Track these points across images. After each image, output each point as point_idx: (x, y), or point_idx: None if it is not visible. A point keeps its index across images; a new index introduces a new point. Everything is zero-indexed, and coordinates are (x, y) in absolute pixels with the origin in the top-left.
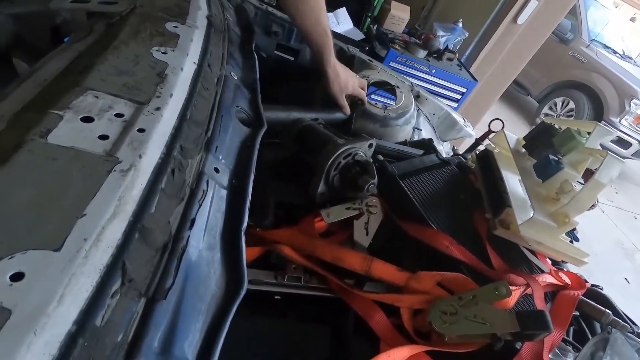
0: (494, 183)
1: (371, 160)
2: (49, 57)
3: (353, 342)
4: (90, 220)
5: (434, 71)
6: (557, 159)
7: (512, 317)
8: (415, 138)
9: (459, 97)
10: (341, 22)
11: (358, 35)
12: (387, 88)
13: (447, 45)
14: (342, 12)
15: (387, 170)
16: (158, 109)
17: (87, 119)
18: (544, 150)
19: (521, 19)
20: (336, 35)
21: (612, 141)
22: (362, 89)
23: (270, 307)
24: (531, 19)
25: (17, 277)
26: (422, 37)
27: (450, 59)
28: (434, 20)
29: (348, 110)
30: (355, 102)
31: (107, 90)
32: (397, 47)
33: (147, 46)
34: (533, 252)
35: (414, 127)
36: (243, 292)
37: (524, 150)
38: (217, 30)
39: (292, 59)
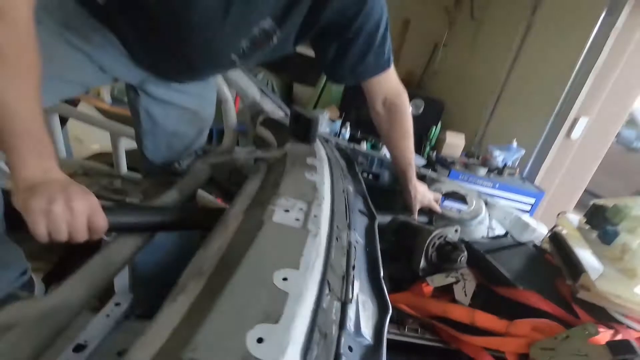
0: (568, 256)
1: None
2: (247, 184)
3: None
4: (300, 274)
5: (497, 185)
6: (614, 228)
7: (604, 348)
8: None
9: (528, 208)
10: None
11: (420, 162)
12: (458, 196)
13: (506, 163)
14: None
15: (474, 248)
16: (319, 205)
17: (286, 210)
18: (602, 223)
19: (575, 135)
20: None
21: None
22: (437, 201)
23: (393, 354)
24: (585, 134)
25: (260, 340)
26: (480, 157)
27: (511, 174)
28: (487, 143)
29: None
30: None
31: (291, 196)
32: (457, 167)
33: (302, 171)
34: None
35: (488, 227)
36: (389, 312)
37: (587, 227)
38: (333, 161)
39: (374, 181)
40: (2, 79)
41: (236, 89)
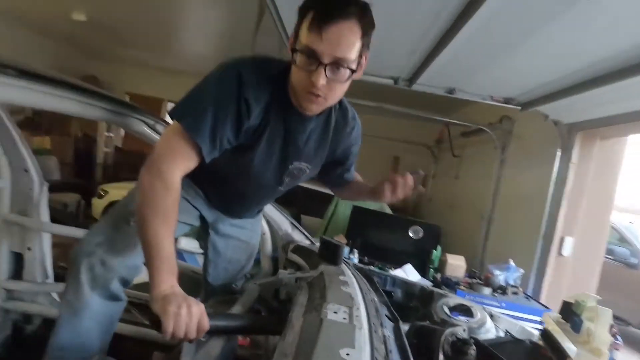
0: (555, 346)
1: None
2: (297, 298)
3: None
4: (357, 351)
5: (504, 304)
6: (579, 318)
7: None
8: None
9: (539, 326)
10: (409, 274)
11: (427, 284)
12: (463, 309)
13: (507, 282)
14: (409, 267)
15: (481, 343)
16: (358, 308)
17: (335, 312)
18: (571, 316)
19: (566, 252)
20: None
21: None
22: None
23: None
24: (576, 252)
25: (348, 354)
26: (482, 277)
27: (515, 293)
28: (487, 263)
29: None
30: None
31: (335, 302)
32: (462, 287)
33: (339, 286)
34: None
35: (496, 336)
36: None
37: (563, 321)
38: (358, 278)
39: (388, 298)
40: (161, 223)
41: (272, 223)
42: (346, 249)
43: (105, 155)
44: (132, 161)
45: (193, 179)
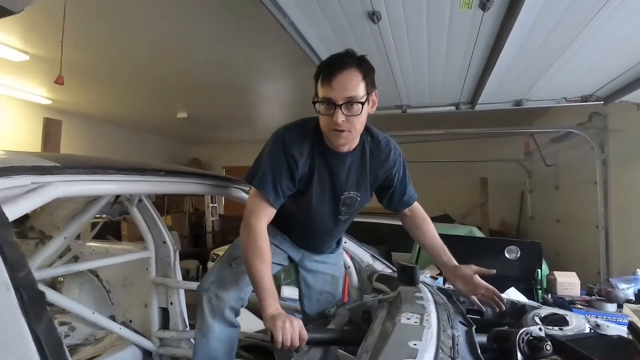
0: (637, 333)
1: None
2: (378, 313)
3: None
4: (423, 343)
5: None
6: None
7: None
8: None
9: None
10: (515, 298)
11: (536, 305)
12: (555, 318)
13: (637, 295)
14: (512, 291)
15: (557, 338)
16: (429, 314)
17: (408, 318)
18: None
19: None
20: None
21: None
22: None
23: None
24: None
25: (415, 344)
26: (601, 292)
27: None
28: (610, 277)
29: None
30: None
31: (409, 312)
32: (579, 306)
33: (414, 300)
34: None
35: None
36: None
37: None
38: (434, 294)
39: (479, 317)
40: (259, 262)
41: (354, 257)
42: (440, 279)
43: (212, 223)
44: (234, 225)
45: (278, 226)
